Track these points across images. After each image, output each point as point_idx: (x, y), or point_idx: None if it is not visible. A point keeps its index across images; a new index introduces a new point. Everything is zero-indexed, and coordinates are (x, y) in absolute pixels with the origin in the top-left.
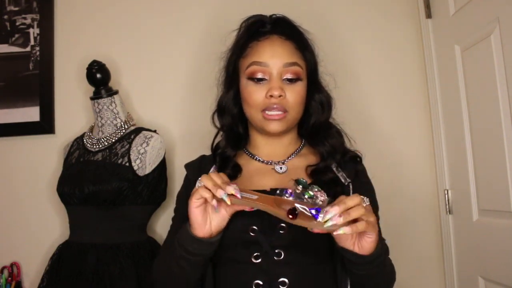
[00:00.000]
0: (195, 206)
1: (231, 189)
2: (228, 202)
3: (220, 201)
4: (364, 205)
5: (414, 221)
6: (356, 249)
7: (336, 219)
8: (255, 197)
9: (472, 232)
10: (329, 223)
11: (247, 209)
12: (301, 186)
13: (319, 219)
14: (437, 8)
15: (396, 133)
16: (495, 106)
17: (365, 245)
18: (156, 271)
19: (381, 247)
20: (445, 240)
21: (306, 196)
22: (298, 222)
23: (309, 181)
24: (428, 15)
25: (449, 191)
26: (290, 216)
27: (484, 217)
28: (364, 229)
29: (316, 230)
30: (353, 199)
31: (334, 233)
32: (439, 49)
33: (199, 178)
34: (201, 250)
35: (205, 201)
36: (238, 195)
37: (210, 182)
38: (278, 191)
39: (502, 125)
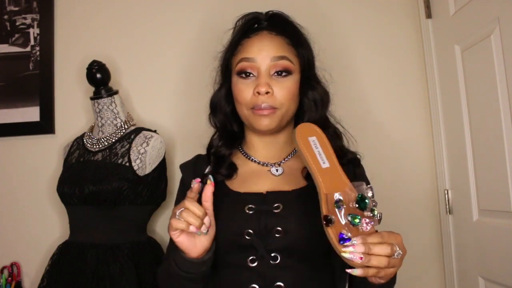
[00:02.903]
0: (176, 238)
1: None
2: (205, 232)
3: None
4: (395, 256)
5: (414, 221)
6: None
7: (356, 258)
8: (327, 164)
9: (472, 232)
10: (347, 256)
11: None
12: (357, 205)
13: (340, 248)
14: (437, 8)
15: (396, 133)
16: (495, 106)
17: (373, 280)
18: (159, 280)
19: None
20: (445, 240)
21: (349, 218)
22: (328, 231)
23: (305, 183)
24: (428, 15)
25: (449, 191)
26: (324, 222)
27: (484, 217)
28: (374, 275)
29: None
30: (386, 249)
31: (347, 270)
32: (439, 49)
33: (178, 212)
34: (196, 269)
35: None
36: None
37: (191, 217)
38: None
39: (502, 125)
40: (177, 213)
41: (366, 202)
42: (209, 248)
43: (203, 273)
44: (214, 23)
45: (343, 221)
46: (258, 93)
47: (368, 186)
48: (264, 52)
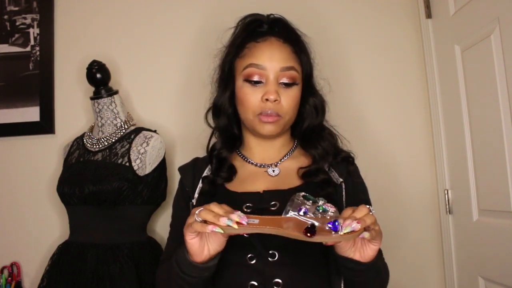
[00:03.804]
0: (190, 239)
1: (236, 216)
2: (235, 226)
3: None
4: (372, 211)
5: (414, 221)
6: (357, 257)
7: (355, 225)
8: (256, 221)
9: (472, 232)
10: (349, 229)
11: (242, 233)
12: (311, 202)
13: (339, 232)
14: (437, 8)
15: (396, 133)
16: (495, 106)
17: (368, 253)
18: (158, 282)
19: (379, 253)
20: (445, 240)
21: (320, 211)
22: (316, 238)
23: (301, 182)
24: (428, 15)
25: (449, 191)
26: (309, 234)
27: (484, 217)
28: (376, 234)
29: (331, 242)
30: (362, 209)
31: (362, 235)
32: (439, 49)
33: (197, 212)
34: (198, 273)
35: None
36: (244, 222)
37: (210, 214)
38: (288, 209)
39: (502, 125)
40: (196, 212)
41: (309, 196)
42: (213, 256)
43: (205, 279)
44: (214, 23)
45: (320, 221)
46: (267, 100)
47: (294, 194)
48: (274, 62)
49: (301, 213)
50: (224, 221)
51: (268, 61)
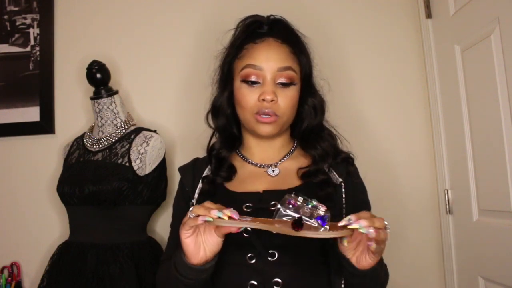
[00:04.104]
0: (185, 237)
1: (228, 211)
2: (226, 218)
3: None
4: (387, 229)
5: (414, 221)
6: (354, 261)
7: (372, 231)
8: (248, 218)
9: (472, 232)
10: (364, 231)
11: (233, 230)
12: (301, 199)
13: (326, 226)
14: (437, 8)
15: (396, 133)
16: (495, 106)
17: (363, 263)
18: (158, 282)
19: (378, 262)
20: (445, 240)
21: (309, 206)
22: (303, 233)
23: (300, 182)
24: (428, 15)
25: (449, 191)
26: (296, 228)
27: (484, 217)
28: (376, 251)
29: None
30: (380, 221)
31: (369, 243)
32: (439, 49)
33: (190, 209)
34: (195, 275)
35: (195, 229)
36: (236, 217)
37: (202, 209)
38: (278, 207)
39: (502, 125)
40: (189, 210)
41: (302, 195)
42: (210, 258)
43: (202, 281)
44: (214, 23)
45: (307, 216)
46: (263, 100)
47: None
48: (271, 62)
49: (290, 206)
50: (215, 213)
51: (265, 62)
